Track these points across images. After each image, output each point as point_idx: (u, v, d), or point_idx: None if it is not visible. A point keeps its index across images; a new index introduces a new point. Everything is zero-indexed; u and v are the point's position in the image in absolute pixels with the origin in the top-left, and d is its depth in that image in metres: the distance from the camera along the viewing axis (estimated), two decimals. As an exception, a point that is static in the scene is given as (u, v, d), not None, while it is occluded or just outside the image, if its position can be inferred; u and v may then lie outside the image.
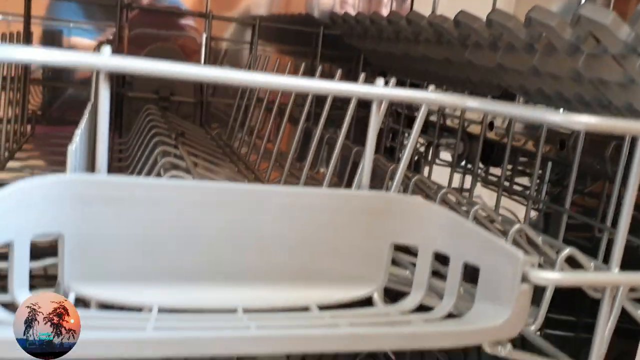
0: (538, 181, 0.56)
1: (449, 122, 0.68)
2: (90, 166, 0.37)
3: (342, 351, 0.24)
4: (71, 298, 0.26)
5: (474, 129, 0.63)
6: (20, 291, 0.24)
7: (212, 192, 0.26)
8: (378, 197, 0.28)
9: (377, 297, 0.29)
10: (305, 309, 0.28)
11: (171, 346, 0.22)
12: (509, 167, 0.58)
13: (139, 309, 0.26)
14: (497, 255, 0.26)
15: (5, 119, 0.60)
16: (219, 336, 0.22)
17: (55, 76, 0.74)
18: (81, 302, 0.26)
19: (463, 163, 0.65)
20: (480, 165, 0.64)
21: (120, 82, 0.72)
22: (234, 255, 0.27)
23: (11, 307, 0.24)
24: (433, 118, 0.68)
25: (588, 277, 0.28)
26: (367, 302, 0.30)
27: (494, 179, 0.62)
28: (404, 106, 0.71)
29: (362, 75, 0.40)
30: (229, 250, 0.27)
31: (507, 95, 0.58)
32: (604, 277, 0.27)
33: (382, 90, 0.27)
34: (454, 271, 0.27)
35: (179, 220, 0.26)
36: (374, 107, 0.27)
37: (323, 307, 0.28)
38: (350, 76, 0.79)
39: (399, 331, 0.25)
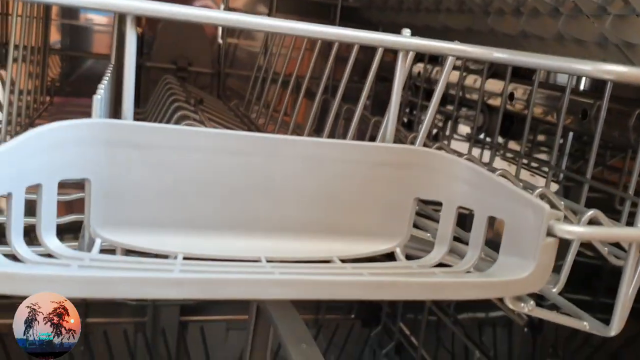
0: (558, 153, 0.56)
1: (468, 96, 0.67)
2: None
3: (365, 299, 0.24)
4: (97, 244, 0.26)
5: (494, 102, 0.62)
6: (48, 237, 0.25)
7: (236, 140, 0.26)
8: (402, 149, 0.28)
9: (399, 252, 0.29)
10: (327, 261, 0.28)
11: (198, 287, 0.22)
12: (529, 138, 0.58)
13: (164, 257, 0.26)
14: (523, 208, 0.26)
15: (26, 88, 0.60)
16: (245, 278, 0.22)
17: (74, 47, 0.74)
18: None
19: (482, 137, 0.64)
20: (499, 139, 0.64)
21: (138, 52, 0.72)
22: (257, 206, 0.27)
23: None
24: (452, 92, 0.67)
25: (614, 232, 0.27)
26: (389, 259, 0.30)
27: (513, 154, 0.61)
28: (423, 79, 0.71)
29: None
30: (252, 201, 0.27)
31: (527, 67, 0.58)
32: (630, 232, 0.27)
33: (409, 40, 0.26)
34: (479, 225, 0.27)
35: (203, 169, 0.26)
36: (400, 57, 0.27)
37: (345, 261, 0.28)
38: (367, 52, 0.78)
39: (422, 280, 0.25)
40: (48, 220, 0.24)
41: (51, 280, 0.20)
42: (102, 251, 0.26)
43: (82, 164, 0.25)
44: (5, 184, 0.22)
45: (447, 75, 0.29)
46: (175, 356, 0.84)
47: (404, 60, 0.27)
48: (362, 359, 0.90)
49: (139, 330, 0.83)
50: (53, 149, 0.24)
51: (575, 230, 0.26)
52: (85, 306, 0.77)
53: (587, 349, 0.73)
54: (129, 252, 0.27)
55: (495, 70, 0.61)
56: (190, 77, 0.74)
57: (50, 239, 0.25)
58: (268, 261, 0.27)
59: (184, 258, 0.26)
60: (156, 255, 0.26)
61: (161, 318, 0.83)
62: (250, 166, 0.27)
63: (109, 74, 0.38)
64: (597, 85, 0.59)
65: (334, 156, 0.27)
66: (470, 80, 0.65)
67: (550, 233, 0.25)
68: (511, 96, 0.57)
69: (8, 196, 0.22)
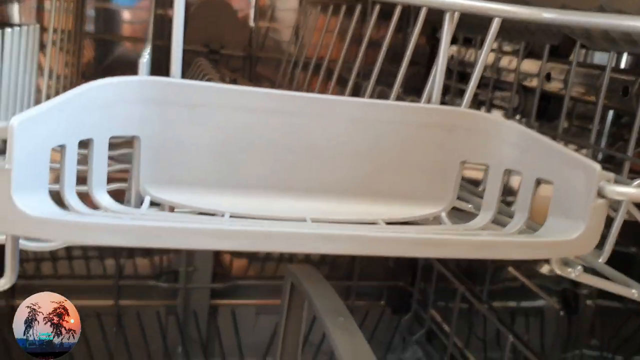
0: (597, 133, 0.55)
1: (502, 79, 0.66)
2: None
3: (413, 256, 0.24)
4: (146, 202, 0.26)
5: (529, 84, 0.61)
6: (99, 190, 0.25)
7: (284, 100, 0.26)
8: (448, 111, 0.28)
9: (444, 216, 0.29)
10: (372, 223, 0.28)
11: (248, 239, 0.22)
12: (566, 122, 0.57)
13: (211, 215, 0.27)
14: (573, 169, 0.25)
15: (63, 71, 0.62)
16: (295, 232, 0.22)
17: (107, 31, 0.75)
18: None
19: (517, 119, 0.63)
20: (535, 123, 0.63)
21: (170, 34, 0.72)
22: (303, 167, 0.27)
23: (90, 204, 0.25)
24: (486, 75, 0.67)
25: (668, 193, 0.27)
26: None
27: (550, 135, 0.60)
28: (456, 63, 0.70)
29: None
30: (298, 161, 0.27)
31: (565, 45, 0.57)
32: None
33: (454, 0, 0.26)
34: (526, 188, 0.27)
35: (251, 128, 0.26)
36: (446, 18, 0.27)
37: (390, 223, 0.28)
38: (398, 37, 0.78)
39: (472, 239, 0.24)
40: (99, 175, 0.25)
41: (108, 229, 0.20)
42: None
43: (132, 122, 0.25)
44: (59, 136, 0.22)
45: (492, 38, 0.29)
46: (206, 338, 0.85)
47: (451, 21, 0.27)
48: (392, 345, 0.90)
49: (170, 313, 0.84)
50: (104, 105, 0.24)
51: (627, 192, 0.25)
52: (117, 288, 0.78)
53: (621, 339, 0.72)
54: (174, 210, 0.27)
55: (531, 50, 0.60)
56: (222, 60, 0.75)
57: (101, 195, 0.25)
58: (313, 221, 0.27)
59: (230, 216, 0.26)
60: (202, 214, 0.27)
61: (192, 301, 0.84)
62: (298, 126, 0.27)
63: (148, 49, 0.38)
64: (639, 63, 0.58)
65: (380, 117, 0.27)
66: (505, 61, 0.64)
67: (600, 194, 0.25)
68: (548, 76, 0.57)
69: (61, 148, 0.23)
